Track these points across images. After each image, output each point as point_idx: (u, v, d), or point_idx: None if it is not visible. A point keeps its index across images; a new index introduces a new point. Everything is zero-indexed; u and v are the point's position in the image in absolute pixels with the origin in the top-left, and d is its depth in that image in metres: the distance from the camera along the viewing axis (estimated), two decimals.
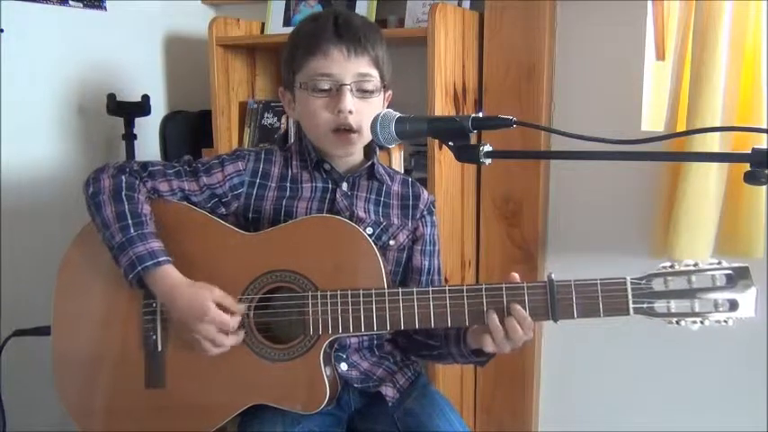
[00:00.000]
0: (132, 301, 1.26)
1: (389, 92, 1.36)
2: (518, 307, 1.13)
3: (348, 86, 1.26)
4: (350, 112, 1.25)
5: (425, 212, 1.39)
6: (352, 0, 2.03)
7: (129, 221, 1.20)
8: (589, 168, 1.89)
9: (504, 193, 1.97)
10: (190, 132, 2.21)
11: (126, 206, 1.22)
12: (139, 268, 1.18)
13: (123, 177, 1.25)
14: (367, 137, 1.30)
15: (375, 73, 1.29)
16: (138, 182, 1.26)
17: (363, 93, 1.28)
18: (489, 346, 1.15)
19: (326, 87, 1.27)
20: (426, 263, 1.37)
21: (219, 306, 1.18)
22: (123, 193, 1.23)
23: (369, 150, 1.37)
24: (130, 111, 2.03)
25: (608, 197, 1.90)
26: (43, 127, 1.93)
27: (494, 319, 1.13)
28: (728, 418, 1.81)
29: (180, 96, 2.29)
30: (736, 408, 1.80)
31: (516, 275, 1.17)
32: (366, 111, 1.26)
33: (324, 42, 1.25)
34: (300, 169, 1.34)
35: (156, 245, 1.20)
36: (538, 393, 2.08)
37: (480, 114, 1.06)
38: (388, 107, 1.31)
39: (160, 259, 1.19)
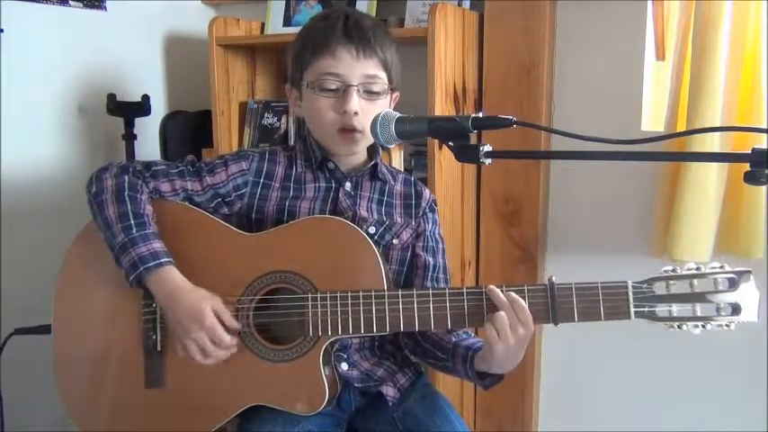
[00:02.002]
0: (132, 301, 1.26)
1: (396, 93, 1.36)
2: (515, 296, 1.12)
3: (355, 87, 1.26)
4: (355, 113, 1.26)
5: (427, 210, 1.39)
6: (352, 0, 2.03)
7: (132, 222, 1.20)
8: (589, 168, 1.89)
9: (504, 193, 1.97)
10: (190, 132, 2.21)
11: (129, 206, 1.22)
12: (141, 269, 1.18)
13: (126, 177, 1.25)
14: (370, 138, 1.30)
15: (383, 75, 1.29)
16: (140, 182, 1.26)
17: (370, 94, 1.28)
18: (495, 341, 1.12)
19: (333, 87, 1.27)
20: (431, 260, 1.37)
21: (218, 317, 1.18)
22: (126, 193, 1.23)
23: (372, 150, 1.37)
24: (130, 111, 2.03)
25: (608, 197, 1.90)
26: (43, 127, 1.93)
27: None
28: (728, 419, 1.81)
29: (180, 96, 2.29)
30: (737, 408, 1.80)
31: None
32: (372, 112, 1.24)
33: (333, 42, 1.25)
34: (305, 168, 1.34)
35: (158, 245, 1.20)
36: (538, 393, 2.08)
37: (480, 114, 1.06)
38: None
39: (162, 260, 1.19)
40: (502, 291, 1.13)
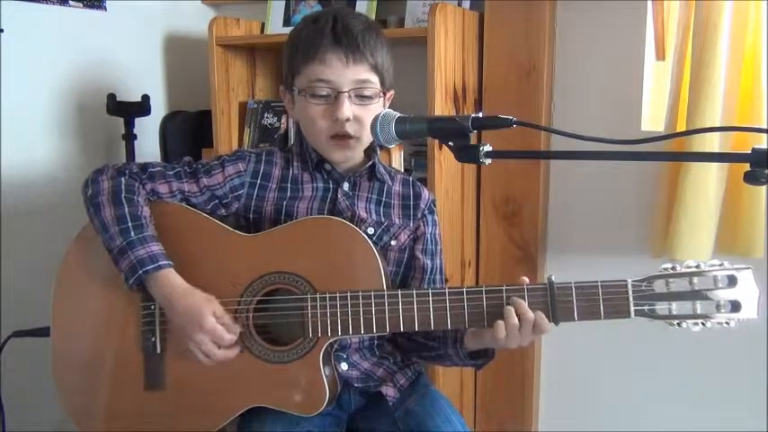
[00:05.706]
0: (131, 304, 1.26)
1: (391, 92, 1.35)
2: (520, 301, 1.12)
3: (346, 94, 1.25)
4: (347, 119, 1.25)
5: (426, 211, 1.39)
6: (352, 0, 2.03)
7: (130, 224, 1.20)
8: (589, 168, 1.89)
9: (504, 193, 1.97)
10: (190, 132, 2.21)
11: (126, 209, 1.21)
12: (140, 272, 1.17)
13: (122, 179, 1.25)
14: (366, 142, 1.30)
15: (375, 79, 1.27)
16: (137, 184, 1.26)
17: (362, 99, 1.27)
18: (500, 332, 1.12)
19: (324, 94, 1.26)
20: (429, 262, 1.37)
21: (217, 320, 1.18)
22: (123, 195, 1.23)
23: (369, 150, 1.37)
24: (130, 111, 2.03)
25: (608, 197, 1.90)
26: (43, 127, 1.93)
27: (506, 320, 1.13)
28: (728, 418, 1.81)
29: (180, 96, 2.29)
30: (736, 408, 1.80)
31: (526, 279, 1.16)
32: (365, 117, 1.24)
33: (321, 48, 1.24)
34: (301, 170, 1.34)
35: (156, 248, 1.20)
36: (538, 393, 2.08)
37: (480, 114, 1.06)
38: (389, 107, 1.30)
39: (161, 263, 1.19)
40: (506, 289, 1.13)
